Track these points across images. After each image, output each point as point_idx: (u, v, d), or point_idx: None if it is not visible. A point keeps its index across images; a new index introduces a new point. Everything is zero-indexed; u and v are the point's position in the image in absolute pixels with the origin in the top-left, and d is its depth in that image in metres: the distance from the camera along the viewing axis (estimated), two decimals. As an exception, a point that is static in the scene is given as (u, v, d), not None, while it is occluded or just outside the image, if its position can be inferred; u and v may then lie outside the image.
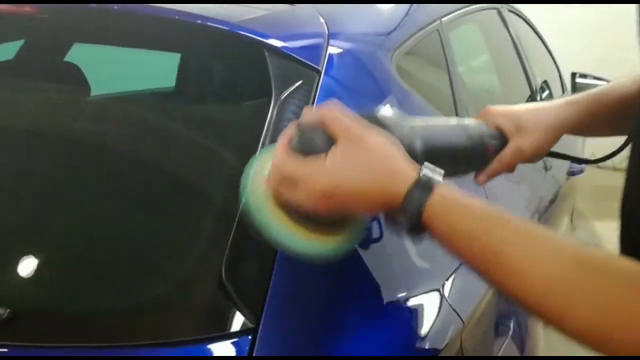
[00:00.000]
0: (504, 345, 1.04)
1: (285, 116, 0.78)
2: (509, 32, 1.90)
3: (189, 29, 0.89)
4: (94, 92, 1.13)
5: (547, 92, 2.37)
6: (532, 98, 2.06)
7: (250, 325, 0.65)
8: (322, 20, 0.94)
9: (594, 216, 3.49)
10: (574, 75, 2.52)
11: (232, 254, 0.68)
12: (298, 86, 0.82)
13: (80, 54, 1.20)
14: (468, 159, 0.68)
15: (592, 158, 0.88)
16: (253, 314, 0.66)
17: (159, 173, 0.80)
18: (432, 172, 0.60)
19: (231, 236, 0.69)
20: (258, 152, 0.73)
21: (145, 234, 0.75)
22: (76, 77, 1.17)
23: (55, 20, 1.04)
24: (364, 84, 0.96)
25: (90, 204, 0.78)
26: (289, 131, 0.63)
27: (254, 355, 0.64)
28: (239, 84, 0.86)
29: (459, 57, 1.48)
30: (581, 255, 0.54)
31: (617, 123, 0.83)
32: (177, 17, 0.87)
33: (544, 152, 0.86)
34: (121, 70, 1.21)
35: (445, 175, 0.62)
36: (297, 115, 0.78)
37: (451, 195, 0.59)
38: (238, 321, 0.65)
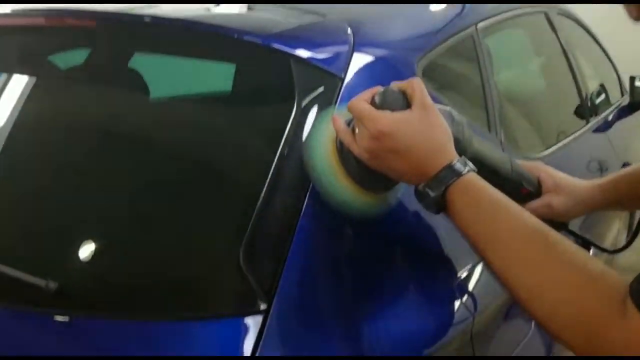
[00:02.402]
0: (521, 344, 1.06)
1: (306, 119, 0.85)
2: (557, 36, 1.89)
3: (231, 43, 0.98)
4: (153, 94, 1.25)
5: (603, 96, 2.31)
6: (581, 106, 2.02)
7: (263, 307, 0.73)
8: (349, 31, 1.01)
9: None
10: (632, 79, 2.44)
11: (249, 242, 0.76)
12: (320, 92, 0.89)
13: (140, 62, 1.32)
14: (501, 188, 0.73)
15: (613, 248, 1.02)
16: (266, 297, 0.73)
17: (193, 168, 0.90)
18: (468, 164, 0.71)
19: (249, 227, 0.77)
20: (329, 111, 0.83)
21: (178, 223, 0.84)
22: (137, 81, 1.29)
23: (119, 33, 1.16)
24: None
25: (132, 194, 0.89)
26: (372, 91, 0.74)
27: (264, 333, 0.71)
28: (268, 90, 0.94)
29: (501, 62, 1.49)
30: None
31: None
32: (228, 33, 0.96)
33: (568, 217, 0.95)
34: (173, 76, 1.32)
35: None
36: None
37: (477, 183, 0.70)
38: (252, 302, 0.73)
